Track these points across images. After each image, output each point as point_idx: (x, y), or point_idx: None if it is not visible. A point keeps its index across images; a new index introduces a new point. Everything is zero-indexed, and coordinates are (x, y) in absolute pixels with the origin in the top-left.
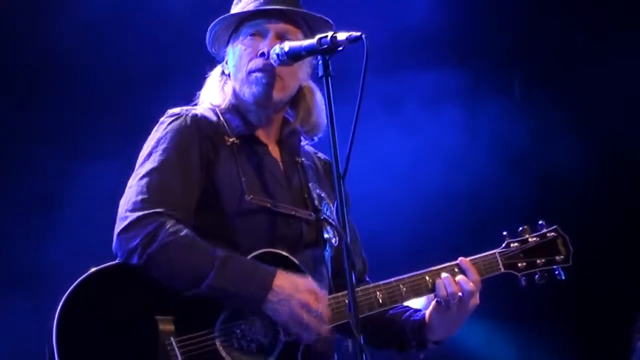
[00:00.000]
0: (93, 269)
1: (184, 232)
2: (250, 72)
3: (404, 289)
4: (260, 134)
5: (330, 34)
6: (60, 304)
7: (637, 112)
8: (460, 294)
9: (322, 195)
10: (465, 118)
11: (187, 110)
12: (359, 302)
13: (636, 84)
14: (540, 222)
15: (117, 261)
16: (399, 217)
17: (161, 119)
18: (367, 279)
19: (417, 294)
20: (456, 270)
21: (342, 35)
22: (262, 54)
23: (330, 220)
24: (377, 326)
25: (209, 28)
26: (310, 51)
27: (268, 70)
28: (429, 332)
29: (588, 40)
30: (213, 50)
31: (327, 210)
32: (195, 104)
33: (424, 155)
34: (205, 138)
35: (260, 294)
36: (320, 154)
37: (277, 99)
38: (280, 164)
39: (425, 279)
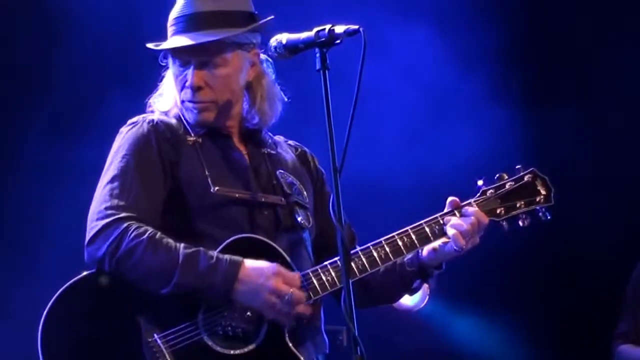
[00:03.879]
0: (82, 274)
1: (148, 233)
2: (183, 102)
3: (382, 253)
4: (222, 128)
5: (328, 26)
6: (46, 310)
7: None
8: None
9: (293, 181)
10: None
11: (144, 117)
12: (337, 274)
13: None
14: (517, 166)
15: None
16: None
17: (120, 129)
18: (358, 248)
19: (397, 254)
20: (440, 221)
21: (340, 28)
22: (190, 86)
23: (302, 203)
24: (377, 286)
25: (147, 46)
26: (307, 44)
27: (197, 102)
28: (427, 263)
29: (588, 33)
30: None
31: (297, 194)
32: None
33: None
34: (164, 140)
35: (227, 286)
36: (290, 142)
37: (215, 119)
38: (246, 155)
39: (404, 239)
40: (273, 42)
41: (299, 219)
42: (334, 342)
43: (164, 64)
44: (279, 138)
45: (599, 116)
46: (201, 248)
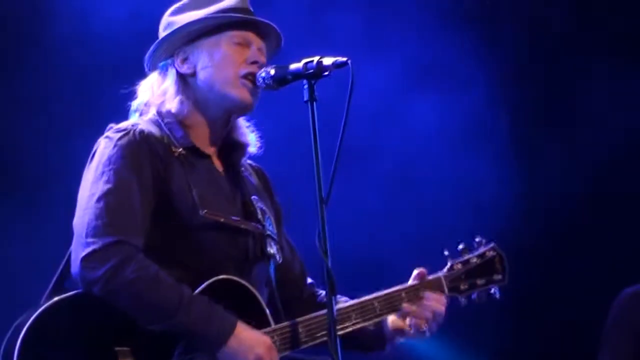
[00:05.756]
0: (55, 299)
1: (150, 267)
2: (241, 77)
3: (354, 315)
4: (203, 146)
5: (316, 58)
6: (22, 334)
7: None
8: (433, 316)
9: (264, 208)
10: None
11: (133, 125)
12: (308, 330)
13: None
14: (477, 238)
15: (77, 291)
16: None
17: (107, 134)
18: (310, 282)
19: (366, 320)
20: (410, 293)
21: (328, 60)
22: (254, 62)
23: (274, 236)
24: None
25: (188, 22)
26: (296, 75)
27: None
28: (389, 337)
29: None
30: (167, 47)
31: (269, 225)
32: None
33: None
34: (155, 154)
35: (220, 339)
36: (251, 162)
37: (253, 109)
38: (224, 176)
39: (374, 304)
40: (262, 73)
41: (270, 250)
42: None
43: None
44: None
45: (589, 147)
46: (200, 295)
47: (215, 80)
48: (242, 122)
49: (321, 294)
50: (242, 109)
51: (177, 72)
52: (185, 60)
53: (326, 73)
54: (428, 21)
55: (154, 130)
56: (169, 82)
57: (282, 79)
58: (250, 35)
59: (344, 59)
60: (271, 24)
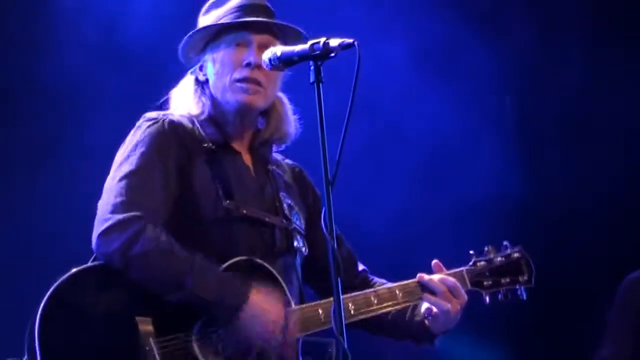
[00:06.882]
0: (74, 269)
1: (164, 237)
2: (234, 81)
3: (375, 300)
4: (234, 142)
5: (322, 39)
6: (42, 303)
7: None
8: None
9: (292, 204)
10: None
11: (164, 115)
12: (327, 312)
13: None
14: (504, 242)
15: (97, 262)
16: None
17: (138, 123)
18: (363, 268)
19: (389, 306)
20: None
21: (334, 42)
22: (248, 64)
23: (299, 229)
24: (386, 328)
25: (189, 35)
26: (302, 56)
27: (253, 80)
28: (431, 328)
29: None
30: (186, 57)
31: (296, 219)
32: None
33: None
34: (182, 144)
35: (236, 304)
36: (288, 160)
37: (260, 107)
38: (253, 172)
39: (396, 292)
40: (268, 54)
41: (295, 243)
42: (324, 355)
43: (185, 58)
44: (277, 156)
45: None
46: (213, 264)
47: (217, 88)
48: (279, 114)
49: (374, 279)
50: (244, 111)
51: (196, 78)
52: (201, 67)
53: (332, 54)
54: (437, 11)
55: (184, 122)
56: (190, 87)
57: (289, 60)
58: (248, 35)
59: (351, 40)
60: (268, 20)
